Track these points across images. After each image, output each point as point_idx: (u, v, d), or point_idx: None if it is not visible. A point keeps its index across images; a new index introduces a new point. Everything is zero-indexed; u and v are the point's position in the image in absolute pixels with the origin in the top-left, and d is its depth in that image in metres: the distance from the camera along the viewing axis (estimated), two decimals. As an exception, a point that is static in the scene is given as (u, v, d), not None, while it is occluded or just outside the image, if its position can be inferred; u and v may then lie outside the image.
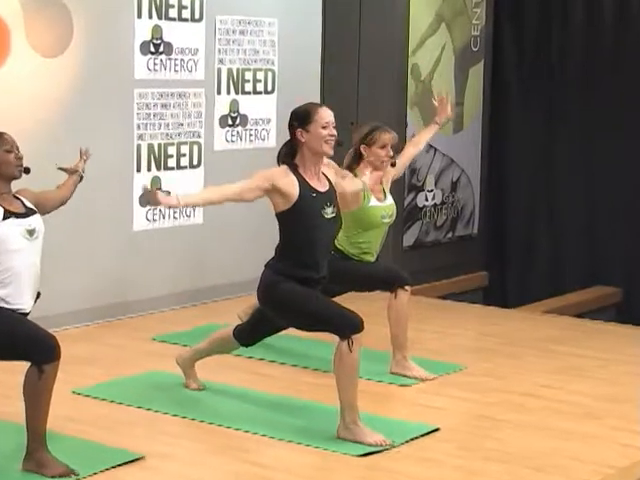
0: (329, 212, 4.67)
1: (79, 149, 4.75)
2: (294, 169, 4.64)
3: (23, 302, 4.15)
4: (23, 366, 4.10)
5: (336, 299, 4.97)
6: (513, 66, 9.52)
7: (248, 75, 7.58)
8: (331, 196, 4.73)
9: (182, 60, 7.09)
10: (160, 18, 6.93)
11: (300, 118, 4.64)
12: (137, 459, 4.34)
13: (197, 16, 7.18)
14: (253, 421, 4.84)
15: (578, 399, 5.37)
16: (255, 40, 7.59)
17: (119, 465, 4.27)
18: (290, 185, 4.59)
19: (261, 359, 5.88)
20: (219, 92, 7.39)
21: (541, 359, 6.15)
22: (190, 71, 7.16)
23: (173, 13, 7.01)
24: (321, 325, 4.64)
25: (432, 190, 8.97)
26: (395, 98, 8.49)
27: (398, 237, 8.56)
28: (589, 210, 9.22)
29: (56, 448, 4.20)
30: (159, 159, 7.01)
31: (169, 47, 7.00)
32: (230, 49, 7.42)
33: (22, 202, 4.24)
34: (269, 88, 7.72)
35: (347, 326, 4.52)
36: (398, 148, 5.88)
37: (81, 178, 4.67)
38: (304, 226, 4.62)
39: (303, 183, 4.62)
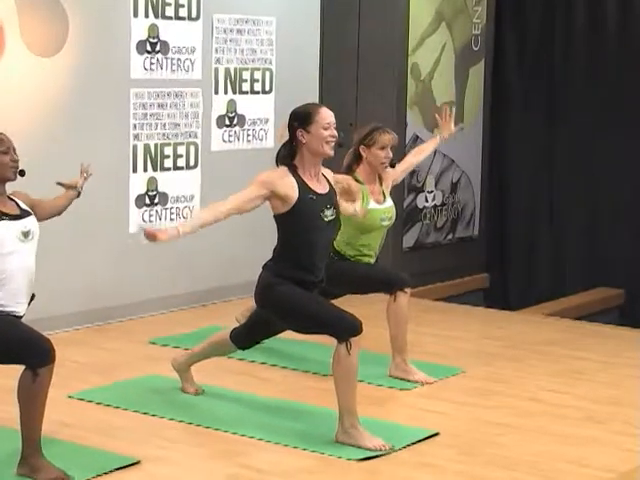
0: (328, 214, 4.66)
1: (80, 165, 4.72)
2: (293, 170, 4.63)
3: (17, 305, 4.15)
4: (18, 370, 4.09)
5: (335, 301, 4.97)
6: (514, 66, 9.52)
7: (246, 75, 7.57)
8: (331, 198, 4.72)
9: (179, 59, 7.09)
10: (157, 17, 6.93)
11: (301, 118, 4.63)
12: (133, 464, 4.34)
13: (194, 15, 7.18)
14: (250, 425, 4.84)
15: (580, 403, 5.36)
16: (253, 39, 7.59)
17: (115, 470, 4.27)
18: (289, 187, 4.58)
19: (258, 362, 5.88)
20: (216, 92, 7.38)
21: (542, 362, 6.14)
22: (187, 70, 7.15)
23: (170, 12, 7.01)
24: (319, 328, 4.64)
25: (432, 191, 8.97)
26: (394, 98, 8.49)
27: (398, 238, 8.55)
28: (590, 211, 9.23)
29: (51, 453, 4.20)
30: (155, 160, 7.01)
31: (166, 46, 6.99)
32: (227, 48, 7.42)
33: (17, 204, 4.24)
34: (267, 88, 7.72)
35: (345, 329, 4.52)
36: (398, 149, 5.88)
37: (78, 194, 4.65)
38: (303, 228, 4.61)
39: (302, 185, 4.61)
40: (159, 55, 6.96)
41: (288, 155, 4.67)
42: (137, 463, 4.35)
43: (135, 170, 6.90)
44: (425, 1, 8.67)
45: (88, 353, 6.08)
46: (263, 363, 5.88)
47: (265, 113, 7.71)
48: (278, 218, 4.67)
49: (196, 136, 7.26)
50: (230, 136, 7.51)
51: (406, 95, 8.55)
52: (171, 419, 4.92)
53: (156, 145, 7.00)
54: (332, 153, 4.66)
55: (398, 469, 4.42)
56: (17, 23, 6.16)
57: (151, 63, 6.92)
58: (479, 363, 6.09)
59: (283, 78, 7.77)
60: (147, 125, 6.93)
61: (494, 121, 9.50)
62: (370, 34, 8.50)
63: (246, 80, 7.58)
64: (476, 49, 9.23)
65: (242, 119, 7.57)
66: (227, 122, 7.47)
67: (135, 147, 6.88)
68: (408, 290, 5.64)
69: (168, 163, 7.10)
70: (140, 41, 6.84)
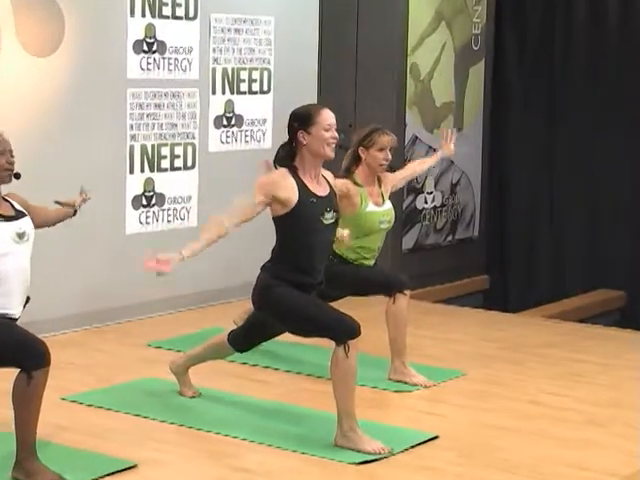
0: (328, 217, 4.66)
1: (80, 188, 4.72)
2: (293, 172, 4.62)
3: (12, 307, 4.14)
4: (13, 373, 4.08)
5: (333, 304, 4.97)
6: (514, 65, 9.53)
7: (244, 75, 7.57)
8: (331, 200, 4.70)
9: (176, 59, 7.08)
10: (153, 16, 6.93)
11: (301, 119, 4.62)
12: (129, 467, 4.33)
13: (191, 14, 7.17)
14: (247, 428, 4.83)
15: (580, 405, 5.36)
16: (251, 39, 7.59)
17: (110, 474, 4.26)
18: (289, 190, 4.57)
19: (256, 365, 5.87)
20: (214, 92, 7.38)
21: (542, 365, 6.14)
22: (184, 70, 7.15)
23: (167, 11, 7.01)
24: (317, 330, 4.64)
25: (432, 192, 8.97)
26: (394, 98, 8.49)
27: (397, 240, 8.55)
28: (590, 211, 9.24)
29: (46, 456, 4.19)
30: (152, 160, 7.00)
31: (163, 46, 6.99)
32: (225, 48, 7.42)
33: (11, 205, 4.23)
34: (265, 88, 7.72)
35: (343, 331, 4.52)
36: (397, 150, 5.89)
37: (75, 213, 4.65)
38: (302, 231, 4.61)
39: (302, 187, 4.60)
40: (156, 55, 6.95)
41: (288, 156, 4.66)
42: (133, 467, 4.34)
43: (132, 171, 6.89)
44: (425, 0, 8.67)
45: (85, 355, 6.08)
46: (260, 366, 5.87)
47: (263, 113, 7.71)
48: (277, 220, 4.66)
49: (193, 137, 7.26)
50: (228, 137, 7.50)
51: (405, 95, 8.55)
52: (167, 422, 4.91)
53: (153, 146, 7.00)
54: (333, 155, 4.66)
55: (397, 472, 4.42)
56: (13, 23, 6.15)
57: (148, 63, 6.91)
58: (478, 366, 6.09)
59: (281, 78, 7.77)
60: (144, 125, 6.93)
61: (494, 121, 9.51)
62: (369, 34, 8.50)
63: (244, 80, 7.58)
64: (476, 49, 9.24)
65: (240, 119, 7.57)
66: (225, 122, 7.47)
67: (132, 148, 6.88)
68: (407, 292, 5.64)
69: (165, 164, 7.10)
70: (137, 41, 6.84)
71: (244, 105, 7.58)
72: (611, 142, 9.02)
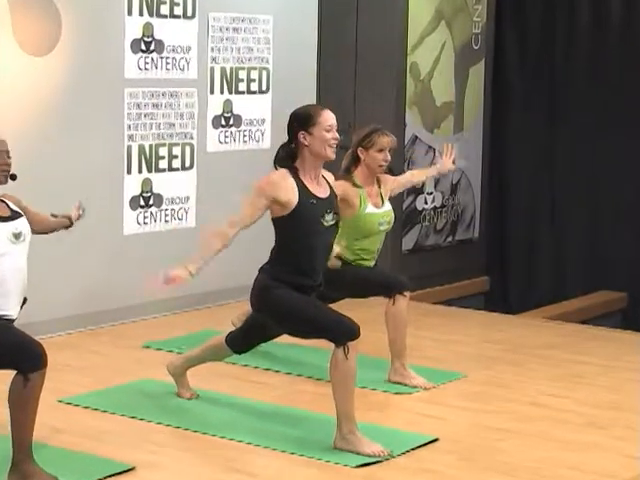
0: (329, 219, 4.65)
1: (77, 203, 4.72)
2: (294, 173, 4.62)
3: (9, 308, 4.14)
4: (9, 375, 4.08)
5: (333, 305, 4.97)
6: (515, 65, 9.53)
7: (242, 74, 7.57)
8: (331, 202, 4.70)
9: (174, 59, 7.08)
10: (151, 15, 6.92)
11: (302, 120, 4.61)
12: (126, 470, 4.33)
13: (189, 13, 7.17)
14: (246, 431, 4.83)
15: (581, 408, 5.36)
16: (249, 38, 7.59)
17: (107, 476, 4.25)
18: (290, 191, 4.56)
19: (255, 367, 5.87)
20: (212, 92, 7.38)
21: (543, 366, 6.14)
22: (182, 70, 7.15)
23: (165, 10, 7.01)
24: (316, 332, 4.63)
25: (432, 193, 8.97)
26: (393, 98, 8.49)
27: (397, 241, 8.55)
28: (592, 212, 9.24)
29: (42, 459, 4.19)
30: (150, 161, 7.00)
31: (160, 45, 6.99)
32: (223, 47, 7.42)
33: (7, 205, 4.23)
34: (264, 87, 7.72)
35: (343, 333, 4.51)
36: (397, 150, 5.89)
37: (70, 224, 4.64)
38: (302, 233, 4.60)
39: (303, 189, 4.59)
40: (154, 54, 6.95)
41: (288, 157, 4.65)
42: (130, 469, 4.34)
43: (129, 171, 6.89)
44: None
45: (81, 357, 6.08)
46: (259, 367, 5.87)
47: (262, 113, 7.71)
48: (276, 221, 4.65)
49: (191, 137, 7.26)
50: (226, 137, 7.50)
51: (405, 95, 8.55)
52: (165, 424, 4.91)
53: (151, 146, 7.00)
54: (334, 156, 4.66)
55: (397, 475, 4.41)
56: (9, 22, 6.15)
57: (146, 62, 6.91)
58: (479, 367, 6.09)
59: (280, 78, 7.77)
60: (142, 125, 6.92)
61: (494, 121, 9.51)
62: (368, 33, 8.50)
63: (242, 80, 7.58)
64: (476, 48, 9.24)
65: (238, 119, 7.57)
66: (223, 122, 7.47)
67: (129, 148, 6.87)
68: (407, 293, 5.64)
69: (163, 164, 7.09)
70: (134, 40, 6.84)
71: (243, 105, 7.58)
72: (612, 143, 9.03)
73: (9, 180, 4.22)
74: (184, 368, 5.27)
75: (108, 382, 5.55)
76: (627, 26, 8.99)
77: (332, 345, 4.55)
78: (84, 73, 6.56)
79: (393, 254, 8.42)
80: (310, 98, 7.79)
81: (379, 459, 4.51)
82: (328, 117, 4.63)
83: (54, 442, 4.58)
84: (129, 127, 6.85)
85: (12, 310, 4.15)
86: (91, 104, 6.62)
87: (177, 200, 7.20)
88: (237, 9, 7.49)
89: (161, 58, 7.00)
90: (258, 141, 7.71)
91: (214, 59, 7.36)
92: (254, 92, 7.66)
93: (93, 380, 5.60)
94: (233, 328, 5.28)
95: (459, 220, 9.31)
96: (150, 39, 6.92)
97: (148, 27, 6.92)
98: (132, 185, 6.91)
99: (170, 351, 6.06)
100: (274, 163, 4.69)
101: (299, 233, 4.60)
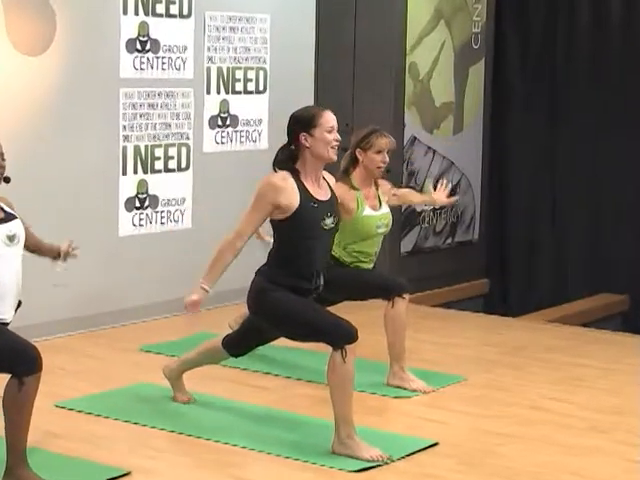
0: (329, 223, 4.65)
1: (70, 241, 4.70)
2: (295, 175, 4.61)
3: (4, 312, 4.13)
4: (3, 378, 4.08)
5: (331, 308, 4.97)
6: (515, 64, 9.54)
7: (239, 74, 7.57)
8: (332, 205, 4.69)
9: (170, 58, 7.08)
10: (147, 14, 6.93)
11: (304, 122, 4.61)
12: (122, 475, 4.32)
13: (185, 12, 7.18)
14: (242, 435, 4.83)
15: (582, 411, 5.36)
16: (246, 37, 7.59)
17: (103, 481, 4.27)
18: (291, 195, 4.55)
19: (252, 370, 5.87)
20: (208, 92, 7.38)
21: (544, 370, 6.15)
22: (178, 70, 7.15)
23: (160, 9, 7.01)
24: (313, 335, 4.63)
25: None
26: (392, 98, 8.49)
27: (396, 243, 8.55)
28: (592, 213, 9.25)
29: (37, 464, 4.18)
30: (146, 161, 7.00)
31: (156, 45, 6.99)
32: (220, 47, 7.42)
33: (1, 207, 4.22)
34: (261, 87, 7.72)
35: (340, 336, 4.51)
36: (396, 151, 5.89)
37: (58, 256, 4.61)
38: (302, 236, 4.60)
39: (304, 191, 4.59)
40: (149, 54, 6.96)
41: (288, 159, 4.64)
42: (126, 474, 4.33)
43: (125, 172, 6.89)
44: (423, -2, 8.69)
45: (77, 360, 6.07)
46: (256, 371, 5.87)
47: (259, 114, 7.71)
48: (276, 224, 4.64)
49: (188, 137, 7.26)
50: (223, 137, 7.50)
51: (404, 95, 8.55)
52: (161, 429, 4.91)
53: (146, 146, 7.00)
54: (336, 158, 4.67)
55: (396, 480, 4.42)
56: (3, 21, 6.15)
57: (141, 62, 6.91)
58: (479, 371, 6.09)
59: (277, 77, 7.77)
60: (137, 126, 6.93)
61: (494, 122, 9.51)
62: (367, 32, 8.50)
63: (239, 79, 7.58)
64: (476, 47, 9.24)
65: (235, 120, 7.57)
66: (220, 123, 7.47)
67: (125, 148, 6.87)
68: (406, 296, 5.64)
69: (159, 165, 7.09)
70: (130, 39, 6.84)
71: (239, 105, 7.59)
72: (613, 144, 9.04)
73: (2, 183, 4.21)
74: (180, 371, 5.27)
75: (104, 386, 5.55)
76: (628, 28, 9.01)
77: (330, 348, 4.55)
78: (79, 73, 6.56)
79: (392, 256, 8.42)
80: (308, 98, 7.80)
81: (378, 464, 4.51)
82: (329, 118, 4.63)
83: (49, 446, 4.58)
84: (124, 127, 6.85)
85: (7, 313, 4.15)
86: (86, 104, 6.62)
87: (173, 201, 7.20)
88: (234, 8, 7.50)
89: (157, 58, 7.00)
90: (255, 142, 7.71)
91: (210, 59, 7.37)
92: (251, 92, 7.67)
93: (88, 384, 5.60)
94: (230, 331, 5.28)
95: (458, 222, 9.31)
96: (146, 38, 6.93)
97: (144, 26, 6.92)
98: (127, 186, 6.91)
99: (168, 355, 6.05)
100: (273, 165, 4.68)
101: (298, 236, 4.60)
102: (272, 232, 4.72)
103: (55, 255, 4.63)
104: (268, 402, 5.36)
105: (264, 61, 7.72)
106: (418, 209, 8.83)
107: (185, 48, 7.17)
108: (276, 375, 5.84)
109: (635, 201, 9.01)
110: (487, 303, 9.36)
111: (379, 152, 5.65)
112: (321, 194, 4.66)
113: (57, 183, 6.45)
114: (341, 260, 5.67)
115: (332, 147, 4.61)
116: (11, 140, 5.72)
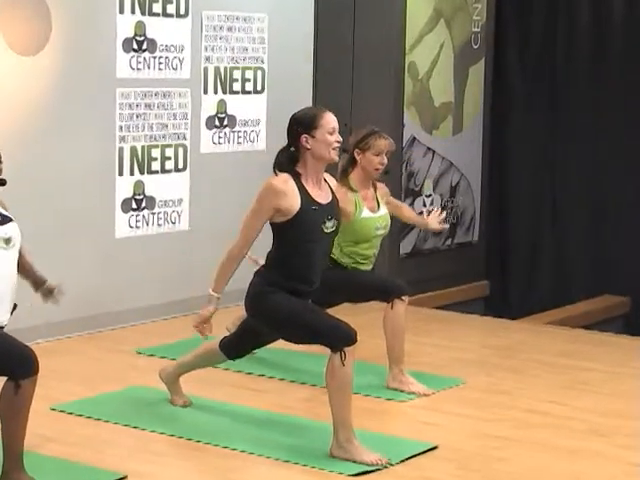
0: (329, 226, 4.66)
1: (58, 286, 4.67)
2: (296, 178, 4.62)
3: (0, 315, 4.14)
4: (0, 381, 4.10)
5: (330, 310, 4.98)
6: (515, 65, 9.54)
7: (236, 74, 7.58)
8: (333, 208, 4.70)
9: (167, 58, 7.09)
10: (143, 14, 6.93)
11: (305, 123, 4.62)
12: (118, 479, 4.33)
13: (182, 11, 7.18)
14: (241, 438, 4.84)
15: (583, 415, 5.37)
16: (244, 37, 7.60)
17: (100, 485, 4.28)
18: (292, 198, 4.55)
19: (250, 373, 5.88)
20: (206, 92, 7.39)
21: (545, 373, 6.15)
22: (175, 69, 7.16)
23: (157, 8, 7.02)
24: (312, 337, 4.64)
25: (430, 195, 8.98)
26: (391, 98, 8.49)
27: (395, 244, 8.56)
28: (593, 214, 9.26)
29: (34, 468, 4.19)
30: (142, 162, 7.01)
31: (153, 44, 7.00)
32: (217, 46, 7.43)
33: (-3, 210, 4.24)
34: (258, 87, 7.73)
35: (339, 338, 4.52)
36: (396, 151, 5.89)
37: (41, 286, 4.58)
38: (302, 239, 4.60)
39: (305, 194, 4.59)
40: (146, 54, 6.96)
41: (289, 161, 4.65)
42: (123, 479, 4.34)
43: (121, 173, 6.90)
44: (423, -2, 8.70)
45: (73, 363, 6.08)
46: (254, 374, 5.88)
47: (257, 114, 7.72)
48: (275, 226, 4.64)
49: (185, 138, 7.26)
50: (220, 138, 7.51)
51: (403, 95, 8.56)
52: (158, 432, 4.91)
53: (143, 147, 7.00)
54: (337, 159, 4.68)
55: (395, 484, 4.43)
56: (-2, 20, 6.17)
57: (138, 62, 6.92)
58: (479, 374, 6.10)
59: (275, 77, 7.78)
60: (134, 126, 6.93)
61: (494, 122, 9.52)
62: (366, 31, 8.50)
63: (237, 79, 7.59)
64: (476, 47, 9.25)
65: (233, 120, 7.58)
66: (217, 123, 7.48)
67: (121, 149, 6.88)
68: (406, 298, 5.65)
69: (156, 166, 7.10)
70: (126, 39, 6.85)
71: (237, 105, 7.59)
72: (614, 144, 9.05)
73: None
74: (177, 375, 5.27)
75: (100, 389, 5.56)
76: (628, 27, 9.02)
77: (328, 351, 4.56)
78: (75, 73, 6.56)
79: (391, 258, 8.43)
80: (306, 98, 7.81)
81: (377, 467, 4.51)
82: (330, 119, 4.64)
83: (45, 450, 4.58)
84: (121, 128, 6.86)
85: (2, 316, 4.15)
86: (82, 104, 6.63)
87: (170, 202, 7.21)
88: (231, 7, 7.50)
89: (153, 57, 7.01)
90: (253, 142, 7.72)
91: (208, 58, 7.38)
92: (249, 92, 7.67)
93: (85, 387, 5.60)
94: (227, 333, 5.29)
95: (458, 223, 9.32)
96: (142, 38, 6.93)
97: (140, 26, 6.93)
98: (124, 187, 6.92)
99: (165, 357, 6.06)
100: (274, 168, 4.67)
101: (298, 239, 4.61)
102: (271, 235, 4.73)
103: (39, 286, 4.57)
104: (266, 405, 5.37)
105: (262, 61, 7.73)
106: (417, 210, 8.84)
107: (182, 48, 7.18)
108: (274, 378, 5.84)
109: (635, 201, 9.02)
110: (487, 305, 9.36)
111: (378, 154, 5.65)
112: (322, 197, 4.66)
113: (53, 184, 6.46)
114: (339, 262, 5.68)
115: (334, 148, 4.62)
116: (6, 141, 5.74)
